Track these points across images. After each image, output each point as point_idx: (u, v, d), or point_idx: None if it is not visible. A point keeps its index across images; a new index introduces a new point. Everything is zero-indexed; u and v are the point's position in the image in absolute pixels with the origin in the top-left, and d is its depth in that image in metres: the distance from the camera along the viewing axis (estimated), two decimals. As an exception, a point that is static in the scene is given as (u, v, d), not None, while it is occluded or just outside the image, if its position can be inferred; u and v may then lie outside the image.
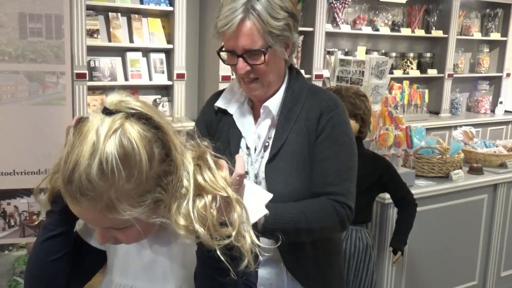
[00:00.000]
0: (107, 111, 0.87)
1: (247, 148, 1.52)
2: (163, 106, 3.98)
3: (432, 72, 5.18)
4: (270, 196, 1.11)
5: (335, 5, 4.54)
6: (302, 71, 4.25)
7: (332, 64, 2.96)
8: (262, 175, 1.47)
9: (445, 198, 2.78)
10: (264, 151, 1.49)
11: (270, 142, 1.49)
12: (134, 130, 0.86)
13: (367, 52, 4.79)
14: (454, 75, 5.31)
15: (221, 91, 1.61)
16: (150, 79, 3.93)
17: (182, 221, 0.87)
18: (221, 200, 0.89)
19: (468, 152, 3.12)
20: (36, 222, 2.75)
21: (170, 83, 3.94)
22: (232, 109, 1.54)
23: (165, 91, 4.05)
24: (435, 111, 5.30)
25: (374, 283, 2.21)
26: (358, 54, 2.93)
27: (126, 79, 3.84)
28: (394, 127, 2.62)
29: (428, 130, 4.52)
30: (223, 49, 1.45)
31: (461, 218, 2.89)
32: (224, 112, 1.55)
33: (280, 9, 1.40)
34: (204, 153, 0.95)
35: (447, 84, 5.25)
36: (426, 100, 4.95)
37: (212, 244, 0.87)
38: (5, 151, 2.67)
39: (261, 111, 1.51)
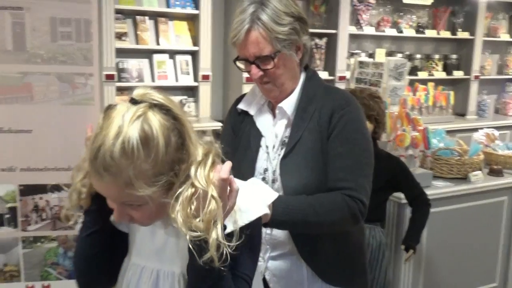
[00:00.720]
0: (133, 101, 1.00)
1: (267, 146, 1.60)
2: (188, 106, 4.08)
3: (458, 74, 5.16)
4: (275, 195, 1.18)
5: (359, 7, 4.58)
6: (326, 73, 4.37)
7: (351, 66, 3.01)
8: (278, 171, 1.54)
9: (464, 199, 2.80)
10: (281, 149, 1.57)
11: (286, 140, 1.57)
12: (155, 118, 0.98)
13: (391, 53, 4.84)
14: (481, 77, 5.28)
15: (244, 95, 1.70)
16: (176, 80, 4.05)
17: (175, 206, 0.99)
18: (201, 195, 0.99)
19: (489, 154, 3.13)
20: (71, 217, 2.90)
21: (195, 84, 4.05)
22: (252, 110, 1.63)
23: (191, 92, 4.17)
24: (461, 113, 5.28)
25: (387, 280, 2.26)
26: (377, 56, 2.98)
27: (153, 80, 3.97)
28: (412, 128, 2.66)
29: (453, 132, 4.53)
30: (238, 58, 1.54)
31: (480, 219, 2.90)
32: (246, 113, 1.64)
33: (285, 15, 1.47)
34: (209, 151, 1.04)
35: (473, 86, 5.22)
36: (452, 102, 4.93)
37: (185, 232, 0.97)
38: (37, 148, 2.82)
39: (277, 111, 1.59)
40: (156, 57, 3.99)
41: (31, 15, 2.77)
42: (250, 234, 1.07)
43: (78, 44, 2.85)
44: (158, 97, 1.02)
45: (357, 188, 1.47)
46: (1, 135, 2.78)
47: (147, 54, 3.98)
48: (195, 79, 4.06)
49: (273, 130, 1.59)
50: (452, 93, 4.92)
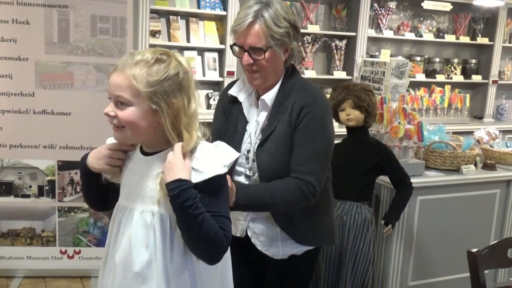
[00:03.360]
0: None
1: (250, 132, 1.88)
2: (214, 99, 4.42)
3: (476, 78, 5.33)
4: (236, 155, 1.47)
5: (380, 12, 4.82)
6: (344, 73, 4.64)
7: (358, 64, 3.29)
8: (254, 156, 1.85)
9: (457, 189, 3.02)
10: (260, 135, 1.86)
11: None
12: (175, 59, 1.40)
13: (411, 56, 5.06)
14: (500, 82, 5.43)
15: (236, 80, 1.99)
16: (204, 75, 4.40)
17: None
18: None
19: (485, 150, 3.35)
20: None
21: (221, 79, 4.39)
22: (241, 97, 1.91)
23: (217, 86, 4.51)
24: (479, 116, 5.45)
25: (370, 254, 2.53)
26: (382, 56, 3.24)
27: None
28: (407, 122, 2.91)
29: (467, 133, 4.70)
30: (236, 44, 1.83)
31: (473, 210, 3.12)
32: (236, 99, 1.92)
33: (283, 19, 1.76)
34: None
35: (491, 90, 5.39)
36: (467, 104, 5.11)
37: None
38: (75, 129, 3.22)
39: (259, 103, 1.88)
40: (186, 53, 4.35)
41: (75, 13, 3.17)
42: (211, 188, 1.39)
43: (114, 38, 3.24)
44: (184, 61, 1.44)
45: (310, 173, 1.75)
46: (44, 116, 3.20)
47: (178, 50, 4.33)
48: (221, 75, 4.40)
49: (256, 118, 1.88)
50: (468, 96, 5.10)
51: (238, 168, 1.88)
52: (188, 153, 1.41)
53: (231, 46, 1.86)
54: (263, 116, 1.87)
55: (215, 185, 1.42)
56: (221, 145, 1.48)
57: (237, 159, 1.71)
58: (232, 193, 1.65)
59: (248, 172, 1.87)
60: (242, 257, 1.85)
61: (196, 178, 1.39)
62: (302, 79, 1.92)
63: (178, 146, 1.39)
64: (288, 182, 1.76)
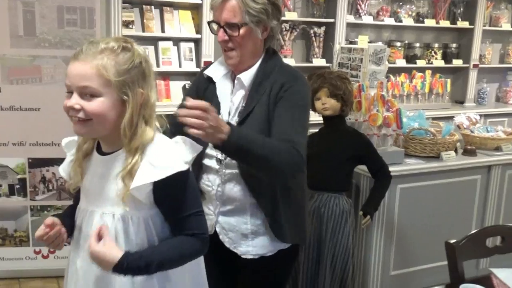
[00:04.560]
0: None
1: (222, 114, 1.80)
2: (191, 91, 4.33)
3: (457, 63, 5.29)
4: (199, 149, 1.41)
5: (358, -3, 4.75)
6: (323, 60, 4.56)
7: (336, 51, 3.22)
8: None
9: (437, 177, 2.98)
10: (236, 116, 1.79)
11: (242, 110, 1.79)
12: (137, 47, 1.37)
13: (390, 42, 5.00)
14: (481, 66, 5.39)
15: (213, 62, 1.94)
16: (180, 66, 4.30)
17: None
18: None
19: (466, 136, 3.30)
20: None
21: (198, 70, 4.28)
22: (216, 77, 1.85)
23: (194, 77, 4.37)
24: (460, 101, 5.41)
25: (349, 245, 2.48)
26: (359, 42, 3.17)
27: (158, 65, 4.21)
28: (386, 109, 2.85)
29: (449, 118, 4.67)
30: (212, 21, 1.78)
31: (454, 196, 3.09)
32: (211, 81, 1.86)
33: None
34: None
35: (473, 74, 5.34)
36: (448, 89, 5.07)
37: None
38: (45, 125, 3.11)
39: (236, 82, 1.81)
40: (161, 44, 4.24)
41: (41, 4, 3.06)
42: (174, 187, 1.33)
43: (82, 30, 3.13)
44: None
45: (298, 143, 1.65)
46: (12, 112, 3.09)
47: (153, 41, 4.23)
48: (198, 65, 4.30)
49: (231, 98, 1.81)
50: (449, 80, 5.06)
51: (209, 151, 1.80)
52: (140, 155, 1.34)
53: (208, 23, 1.81)
54: (238, 96, 1.81)
55: (178, 183, 1.35)
56: (181, 141, 1.40)
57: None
58: (221, 127, 1.50)
59: (219, 156, 1.79)
60: (211, 255, 1.77)
61: (156, 176, 1.31)
62: (283, 62, 1.87)
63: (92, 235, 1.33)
64: (284, 143, 1.64)
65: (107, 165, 1.39)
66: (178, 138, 1.40)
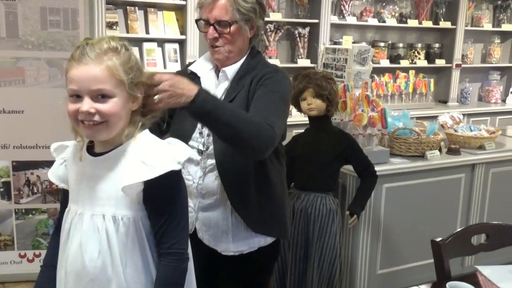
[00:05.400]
0: None
1: None
2: (176, 92, 4.32)
3: (440, 62, 5.35)
4: (190, 152, 1.41)
5: (342, -2, 4.77)
6: (308, 61, 4.58)
7: (321, 52, 3.23)
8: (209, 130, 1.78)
9: (421, 176, 3.01)
10: None
11: None
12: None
13: (374, 42, 5.03)
14: (463, 66, 5.45)
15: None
16: (165, 67, 4.27)
17: None
18: None
19: (449, 135, 3.34)
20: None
21: (183, 71, 4.28)
22: (201, 73, 1.88)
23: (179, 78, 4.39)
24: (443, 100, 5.47)
25: (337, 245, 2.49)
26: (344, 42, 3.19)
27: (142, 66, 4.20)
28: (371, 109, 2.87)
29: (433, 118, 4.72)
30: (201, 19, 1.80)
31: (438, 195, 3.12)
32: (195, 75, 1.88)
33: None
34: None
35: (455, 74, 5.41)
36: (432, 89, 5.12)
37: None
38: (29, 127, 3.08)
39: (220, 74, 1.84)
40: (146, 45, 4.22)
41: (23, 5, 3.03)
42: (166, 188, 1.33)
43: (65, 31, 3.10)
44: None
45: (273, 122, 1.63)
46: (-4, 114, 3.05)
47: (137, 42, 4.20)
48: (182, 66, 4.28)
49: (215, 90, 1.83)
50: (432, 80, 5.11)
51: (191, 143, 1.81)
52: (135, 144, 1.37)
53: (196, 21, 1.83)
54: (221, 88, 1.83)
55: (169, 183, 1.35)
56: (173, 142, 1.40)
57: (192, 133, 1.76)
58: (184, 91, 1.49)
59: (201, 147, 1.81)
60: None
61: (147, 174, 1.30)
62: (266, 60, 1.93)
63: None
64: (254, 116, 1.64)
65: (99, 166, 1.37)
66: (171, 139, 1.40)
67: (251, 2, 1.77)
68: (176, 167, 1.34)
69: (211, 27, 1.76)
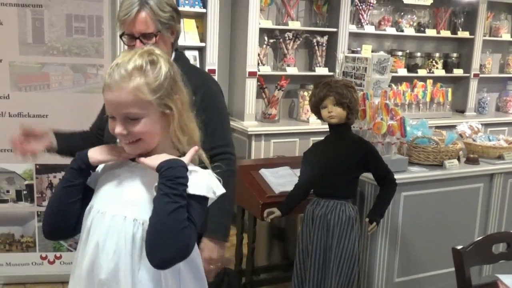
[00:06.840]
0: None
1: None
2: (195, 98, 4.37)
3: (457, 72, 5.34)
4: (222, 191, 1.41)
5: (360, 7, 4.80)
6: (326, 69, 4.61)
7: (339, 61, 3.26)
8: None
9: (440, 185, 3.02)
10: None
11: None
12: (161, 56, 1.36)
13: (392, 51, 5.05)
14: (481, 75, 5.45)
15: None
16: (184, 74, 4.34)
17: None
18: None
19: (468, 144, 3.34)
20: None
21: (202, 78, 4.33)
22: None
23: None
24: (460, 110, 5.47)
25: (355, 252, 2.50)
26: (363, 51, 3.22)
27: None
28: (390, 117, 2.89)
29: (450, 127, 4.71)
30: (125, 34, 1.87)
31: (457, 204, 3.12)
32: None
33: (166, 4, 1.87)
34: None
35: (473, 84, 5.40)
36: (449, 98, 5.12)
37: None
38: (52, 131, 3.14)
39: None
40: (166, 52, 4.28)
41: (49, 12, 3.10)
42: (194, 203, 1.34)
43: (90, 38, 3.17)
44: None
45: (228, 145, 1.95)
46: (20, 118, 3.11)
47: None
48: (202, 73, 4.34)
49: None
50: (450, 90, 5.11)
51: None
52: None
53: (120, 36, 1.91)
54: None
55: (199, 207, 1.37)
56: (212, 175, 1.43)
57: None
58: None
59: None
60: None
61: (203, 191, 1.36)
62: (190, 63, 2.10)
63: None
64: (226, 176, 1.66)
65: (134, 169, 1.42)
66: (210, 171, 1.43)
67: (168, 10, 1.87)
68: (211, 196, 1.38)
69: (137, 41, 1.83)
